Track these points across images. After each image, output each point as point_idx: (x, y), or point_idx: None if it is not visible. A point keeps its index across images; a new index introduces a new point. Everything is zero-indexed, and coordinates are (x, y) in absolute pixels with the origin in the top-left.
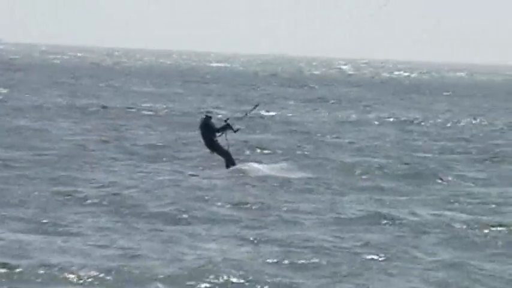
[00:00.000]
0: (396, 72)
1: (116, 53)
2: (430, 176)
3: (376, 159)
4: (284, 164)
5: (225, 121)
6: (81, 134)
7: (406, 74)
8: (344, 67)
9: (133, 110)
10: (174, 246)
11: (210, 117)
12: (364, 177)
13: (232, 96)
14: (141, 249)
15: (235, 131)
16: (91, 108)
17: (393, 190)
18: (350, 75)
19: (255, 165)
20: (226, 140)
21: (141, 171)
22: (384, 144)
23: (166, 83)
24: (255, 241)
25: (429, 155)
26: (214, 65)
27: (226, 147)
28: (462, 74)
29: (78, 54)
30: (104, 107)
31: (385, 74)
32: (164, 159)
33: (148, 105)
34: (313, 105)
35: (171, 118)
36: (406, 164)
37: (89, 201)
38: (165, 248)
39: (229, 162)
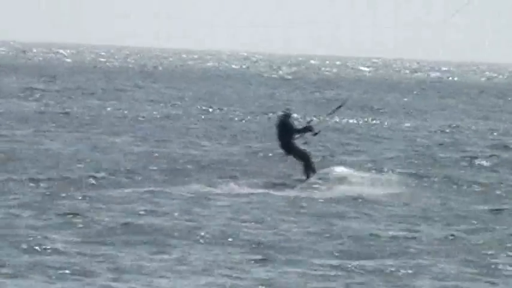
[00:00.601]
0: (419, 73)
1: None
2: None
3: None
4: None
5: (308, 122)
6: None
7: (436, 74)
8: (363, 68)
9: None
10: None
11: (289, 115)
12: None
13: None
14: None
15: (315, 134)
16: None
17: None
18: (368, 75)
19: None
20: (305, 139)
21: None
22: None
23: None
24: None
25: None
26: (210, 64)
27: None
28: (495, 74)
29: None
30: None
31: (410, 74)
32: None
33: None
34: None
35: (174, 124)
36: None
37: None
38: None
39: (309, 168)
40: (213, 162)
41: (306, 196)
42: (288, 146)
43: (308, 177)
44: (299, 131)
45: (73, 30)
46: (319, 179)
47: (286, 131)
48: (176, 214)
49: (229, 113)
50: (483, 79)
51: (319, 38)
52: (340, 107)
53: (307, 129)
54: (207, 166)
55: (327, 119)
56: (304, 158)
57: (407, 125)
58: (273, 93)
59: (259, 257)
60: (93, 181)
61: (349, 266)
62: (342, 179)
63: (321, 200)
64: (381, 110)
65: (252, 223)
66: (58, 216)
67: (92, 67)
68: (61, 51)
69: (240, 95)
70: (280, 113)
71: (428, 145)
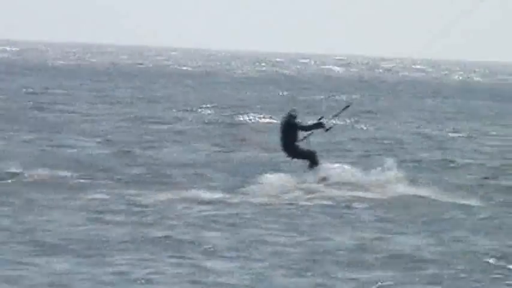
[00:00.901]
0: (392, 72)
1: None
2: None
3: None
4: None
5: (319, 119)
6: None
7: (407, 73)
8: (334, 67)
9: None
10: None
11: (295, 116)
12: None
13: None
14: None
15: (327, 130)
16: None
17: None
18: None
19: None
20: (308, 142)
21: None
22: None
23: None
24: None
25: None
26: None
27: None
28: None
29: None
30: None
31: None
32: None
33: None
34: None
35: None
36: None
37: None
38: None
39: (313, 163)
40: (177, 165)
41: (288, 203)
42: (292, 149)
43: (311, 168)
44: (310, 128)
45: (18, 27)
46: (304, 182)
47: (291, 132)
48: (149, 222)
49: (193, 114)
50: (460, 78)
51: (283, 35)
52: (347, 107)
53: (319, 125)
54: (173, 169)
55: (333, 119)
56: (309, 156)
57: (387, 126)
58: (244, 94)
59: (238, 264)
60: (48, 185)
61: (338, 276)
62: (330, 184)
63: (303, 207)
64: (358, 111)
65: (227, 231)
66: (22, 225)
67: (42, 64)
68: (5, 48)
69: (204, 95)
70: (285, 114)
71: (412, 147)
